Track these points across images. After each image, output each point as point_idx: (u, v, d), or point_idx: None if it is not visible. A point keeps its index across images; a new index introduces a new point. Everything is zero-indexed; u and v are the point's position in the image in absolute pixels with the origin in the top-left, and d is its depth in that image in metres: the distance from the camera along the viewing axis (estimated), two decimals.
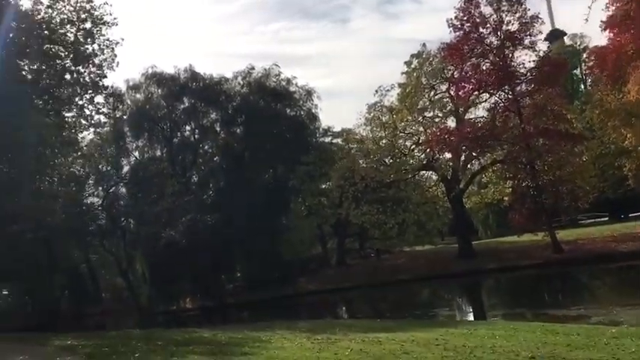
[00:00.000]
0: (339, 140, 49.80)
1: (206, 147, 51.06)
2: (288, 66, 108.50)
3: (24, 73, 19.74)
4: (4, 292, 43.39)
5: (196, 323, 36.09)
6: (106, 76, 26.13)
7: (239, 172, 46.44)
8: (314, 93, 49.44)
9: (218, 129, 49.80)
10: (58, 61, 24.31)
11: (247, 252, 46.17)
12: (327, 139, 51.20)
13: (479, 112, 40.02)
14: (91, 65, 25.41)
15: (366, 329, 15.60)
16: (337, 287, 41.14)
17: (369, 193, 40.72)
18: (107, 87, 27.51)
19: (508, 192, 42.41)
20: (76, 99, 27.03)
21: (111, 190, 28.56)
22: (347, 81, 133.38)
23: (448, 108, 39.82)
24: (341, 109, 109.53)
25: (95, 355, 11.92)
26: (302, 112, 49.22)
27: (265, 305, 41.00)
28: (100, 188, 38.74)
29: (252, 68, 48.90)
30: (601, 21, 33.18)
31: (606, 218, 53.73)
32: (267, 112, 47.50)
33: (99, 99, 26.76)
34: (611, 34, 31.25)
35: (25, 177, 28.83)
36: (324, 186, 47.75)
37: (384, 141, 41.37)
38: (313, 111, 49.29)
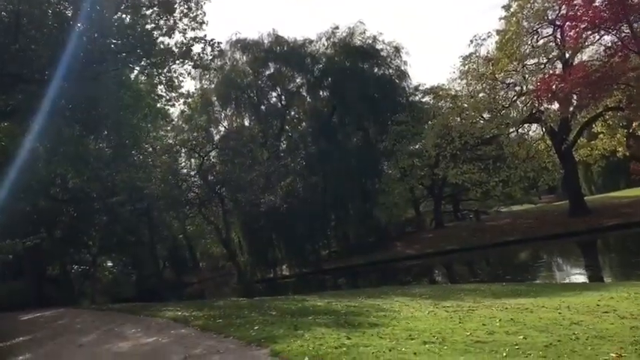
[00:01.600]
0: (431, 98, 47.17)
1: (293, 112, 50.01)
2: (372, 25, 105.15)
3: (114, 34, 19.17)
4: (109, 264, 44.88)
5: (294, 290, 35.67)
6: (194, 42, 25.36)
7: (328, 137, 45.22)
8: (402, 49, 47.11)
9: (305, 93, 48.48)
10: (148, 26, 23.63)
11: (342, 217, 45.27)
12: (419, 97, 48.79)
13: (588, 56, 36.32)
14: (177, 32, 24.59)
15: (495, 295, 13.90)
16: (437, 251, 39.39)
17: (468, 151, 38.24)
18: (195, 56, 26.79)
19: (622, 141, 38.86)
20: (165, 70, 26.17)
21: (205, 159, 28.06)
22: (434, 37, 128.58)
23: (554, 53, 36.28)
24: (431, 65, 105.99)
25: (209, 326, 11.00)
26: (390, 70, 47.02)
27: (362, 271, 40.04)
28: (193, 159, 38.74)
29: (336, 28, 47.09)
30: None
31: None
32: (354, 72, 45.62)
33: (187, 68, 26.09)
34: None
35: (121, 149, 28.98)
36: (417, 146, 45.58)
37: (481, 94, 38.49)
38: (402, 68, 47.04)
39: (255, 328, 9.83)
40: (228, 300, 19.40)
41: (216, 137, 43.63)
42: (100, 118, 21.24)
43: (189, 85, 64.41)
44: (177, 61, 24.62)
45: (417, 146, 44.49)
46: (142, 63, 19.08)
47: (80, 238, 38.22)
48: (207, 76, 45.98)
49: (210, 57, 20.23)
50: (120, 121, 22.95)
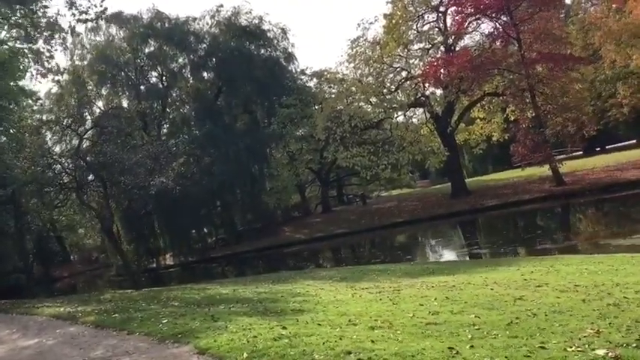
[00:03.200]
0: (319, 81, 46.84)
1: (176, 94, 47.42)
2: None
3: None
4: None
5: (180, 280, 33.87)
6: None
7: (214, 119, 43.37)
8: (289, 31, 46.37)
9: (188, 74, 46.09)
10: None
11: (229, 203, 43.77)
12: (307, 81, 48.28)
13: (469, 42, 37.80)
14: None
15: (409, 274, 13.50)
16: (327, 235, 39.28)
17: (358, 135, 38.32)
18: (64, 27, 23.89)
19: (499, 126, 40.92)
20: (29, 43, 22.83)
21: (82, 140, 25.45)
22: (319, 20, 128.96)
23: (438, 39, 37.27)
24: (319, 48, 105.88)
25: (105, 323, 9.48)
26: (278, 52, 45.99)
27: (251, 257, 39.04)
28: (68, 139, 35.39)
29: (221, 6, 45.52)
30: None
31: (580, 152, 52.74)
32: (241, 53, 44.06)
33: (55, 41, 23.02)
34: None
35: None
36: (305, 129, 45.04)
37: (369, 78, 38.71)
38: (290, 50, 46.22)
39: (164, 321, 8.49)
40: (117, 292, 17.52)
41: (89, 119, 40.20)
42: None
43: (59, 61, 58.70)
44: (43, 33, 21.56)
45: (305, 130, 43.95)
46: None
47: None
48: (80, 52, 42.30)
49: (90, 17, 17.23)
50: None
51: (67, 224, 44.29)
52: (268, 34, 45.59)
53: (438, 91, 37.74)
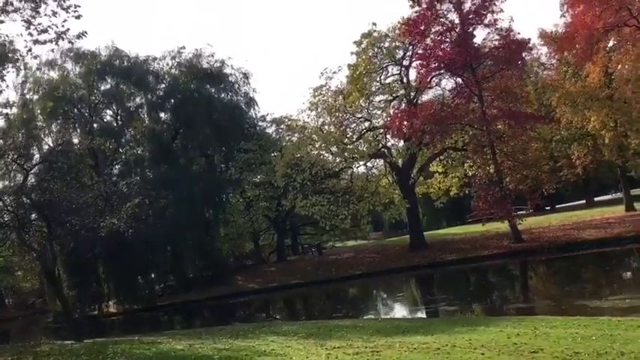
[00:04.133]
0: (280, 127, 46.43)
1: (130, 134, 45.91)
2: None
3: None
4: None
5: (124, 330, 31.87)
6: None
7: (169, 161, 42.12)
8: (251, 76, 45.97)
9: (145, 114, 44.86)
10: None
11: (179, 248, 41.95)
12: (267, 126, 47.84)
13: (430, 97, 38.18)
14: None
15: (381, 332, 12.55)
16: (281, 285, 38.01)
17: (317, 183, 37.70)
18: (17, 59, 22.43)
19: (455, 182, 41.00)
20: None
21: (28, 176, 23.82)
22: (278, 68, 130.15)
23: (401, 92, 37.54)
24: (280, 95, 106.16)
25: None
26: (239, 97, 45.52)
27: (200, 307, 37.29)
28: (9, 177, 33.45)
29: (183, 47, 44.52)
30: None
31: (530, 210, 53.42)
32: (200, 95, 43.43)
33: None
34: (575, 11, 30.11)
35: None
36: (263, 176, 44.14)
37: (331, 127, 38.47)
38: (251, 95, 45.84)
39: None
40: (55, 344, 15.82)
41: (36, 156, 38.39)
42: None
43: (8, 94, 56.19)
44: None
45: (263, 176, 43.07)
46: None
47: None
48: (32, 86, 40.57)
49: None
50: None
51: (3, 265, 41.50)
52: (230, 78, 45.18)
53: (400, 143, 37.77)
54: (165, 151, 42.64)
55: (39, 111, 41.06)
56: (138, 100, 44.81)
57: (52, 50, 39.27)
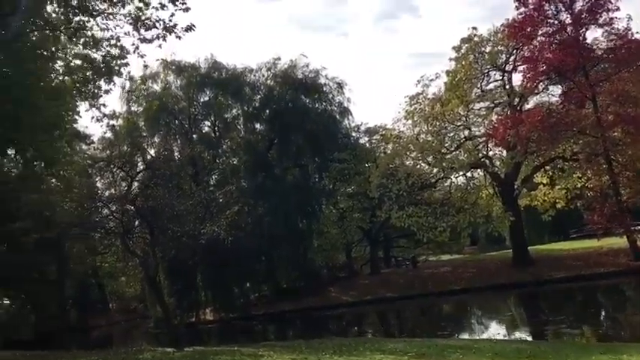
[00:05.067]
0: (374, 137, 45.69)
1: (226, 144, 46.81)
2: None
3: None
4: (5, 302, 39.18)
5: (220, 338, 32.08)
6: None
7: (264, 172, 42.43)
8: (345, 85, 45.40)
9: (241, 124, 45.61)
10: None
11: (273, 258, 42.07)
12: (361, 136, 47.19)
13: (535, 103, 35.99)
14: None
15: (504, 356, 11.32)
16: (375, 298, 37.12)
17: (414, 194, 36.46)
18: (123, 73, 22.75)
19: (562, 194, 38.30)
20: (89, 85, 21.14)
21: (132, 183, 24.52)
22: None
23: (504, 99, 35.70)
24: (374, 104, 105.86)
25: None
26: (333, 107, 45.08)
27: (294, 318, 37.00)
28: (114, 185, 34.75)
29: (278, 59, 44.83)
30: None
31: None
32: (295, 106, 43.46)
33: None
34: None
35: (32, 168, 24.80)
36: (358, 186, 43.44)
37: (428, 136, 37.20)
38: (345, 105, 45.22)
39: None
40: (157, 351, 15.75)
41: (140, 166, 39.84)
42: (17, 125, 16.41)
43: (114, 105, 58.89)
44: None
45: (357, 186, 42.37)
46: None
47: None
48: (136, 98, 42.27)
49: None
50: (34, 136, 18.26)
51: (109, 271, 43.29)
52: (324, 88, 44.92)
53: (502, 152, 35.86)
54: (261, 161, 43.01)
55: (142, 122, 42.69)
56: (234, 111, 45.64)
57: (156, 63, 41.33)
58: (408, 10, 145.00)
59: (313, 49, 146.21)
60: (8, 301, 39.09)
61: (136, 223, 28.30)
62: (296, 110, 42.89)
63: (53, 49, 12.87)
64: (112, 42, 13.06)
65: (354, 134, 47.02)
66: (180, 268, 33.03)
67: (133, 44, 13.08)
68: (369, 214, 43.87)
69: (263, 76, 45.29)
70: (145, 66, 39.87)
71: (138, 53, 13.26)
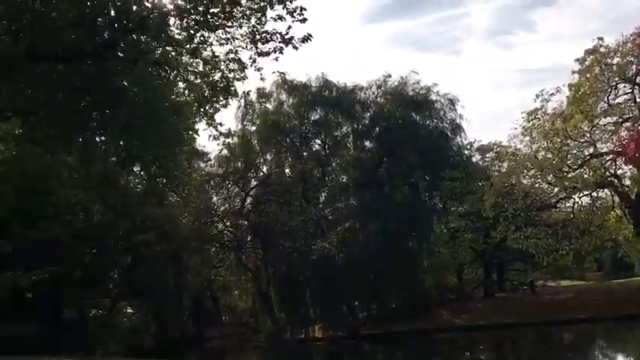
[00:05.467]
0: (488, 154, 44.05)
1: (335, 162, 47.02)
2: None
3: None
4: (129, 310, 41.60)
5: (330, 357, 31.89)
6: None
7: (373, 190, 42.13)
8: (457, 102, 44.26)
9: (350, 142, 45.73)
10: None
11: (382, 277, 41.38)
12: (474, 154, 45.63)
13: None
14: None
15: None
16: (490, 323, 35.33)
17: (532, 214, 34.54)
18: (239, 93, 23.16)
19: None
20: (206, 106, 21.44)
21: (246, 199, 25.23)
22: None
23: (635, 113, 32.97)
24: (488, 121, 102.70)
25: None
26: (444, 124, 44.16)
27: (402, 339, 36.08)
28: (229, 201, 36.00)
29: (389, 76, 44.56)
30: None
31: None
32: (405, 123, 42.97)
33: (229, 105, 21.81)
34: None
35: (154, 184, 26.18)
36: (467, 206, 41.92)
37: (548, 154, 35.09)
38: (457, 121, 44.07)
39: None
40: None
41: (254, 182, 41.07)
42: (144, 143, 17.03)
43: (230, 124, 61.00)
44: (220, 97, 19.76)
45: (470, 206, 40.89)
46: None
47: (100, 279, 35.27)
48: (250, 117, 43.72)
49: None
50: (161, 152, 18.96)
51: (222, 284, 44.73)
52: (435, 105, 44.13)
53: (633, 170, 33.03)
54: (370, 179, 42.80)
55: (255, 140, 43.99)
56: (344, 129, 45.86)
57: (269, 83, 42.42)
58: (524, 26, 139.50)
59: (423, 67, 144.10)
60: (132, 310, 41.46)
61: (249, 238, 29.15)
62: (406, 127, 42.44)
63: (175, 66, 13.38)
64: (231, 56, 13.28)
65: (466, 152, 45.65)
66: (291, 284, 33.36)
67: (250, 58, 13.28)
68: (483, 234, 42.19)
69: (373, 93, 45.29)
70: (261, 83, 41.15)
71: (255, 67, 13.42)
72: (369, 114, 44.84)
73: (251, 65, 13.24)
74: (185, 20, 11.99)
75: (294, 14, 12.38)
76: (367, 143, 45.71)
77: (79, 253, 30.71)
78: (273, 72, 13.82)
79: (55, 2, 11.12)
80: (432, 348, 33.33)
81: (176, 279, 33.67)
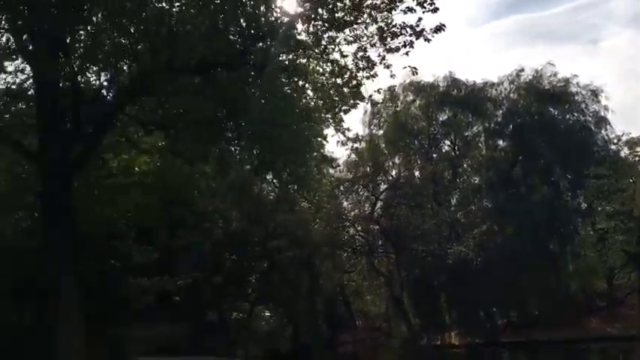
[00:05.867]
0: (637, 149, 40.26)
1: (466, 163, 45.44)
2: None
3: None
4: (266, 314, 42.92)
5: None
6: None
7: (507, 191, 40.10)
8: (601, 93, 40.96)
9: (482, 142, 44.00)
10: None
11: (522, 282, 39.14)
12: (622, 148, 41.89)
13: None
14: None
15: None
16: None
17: None
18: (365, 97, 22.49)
19: None
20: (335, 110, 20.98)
21: (376, 202, 24.98)
22: None
23: None
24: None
25: None
26: (586, 117, 41.14)
27: (545, 348, 33.86)
28: (359, 206, 35.94)
29: (522, 70, 42.33)
30: None
31: None
32: (541, 118, 40.88)
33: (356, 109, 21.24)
34: None
35: (286, 190, 26.82)
36: (615, 206, 38.51)
37: None
38: (601, 114, 40.85)
39: None
40: None
41: (383, 186, 40.69)
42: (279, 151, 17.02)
43: (357, 129, 61.06)
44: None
45: (620, 205, 37.52)
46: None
47: (240, 284, 36.71)
48: (377, 121, 43.52)
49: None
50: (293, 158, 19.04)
51: (355, 289, 44.74)
52: (575, 97, 41.28)
53: None
54: (504, 179, 40.91)
55: (383, 143, 43.64)
56: (475, 128, 44.40)
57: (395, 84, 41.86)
58: None
59: (557, 59, 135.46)
60: (269, 314, 42.75)
61: (380, 242, 28.83)
62: (543, 123, 40.36)
63: (304, 71, 13.43)
64: (360, 54, 13.02)
65: (612, 146, 41.99)
66: (425, 289, 32.54)
67: (379, 55, 12.95)
68: (636, 235, 38.44)
69: (505, 89, 43.30)
70: (387, 85, 40.78)
71: (384, 64, 13.06)
72: (501, 111, 42.94)
73: (380, 62, 12.91)
74: (312, 23, 11.95)
75: (425, 4, 11.88)
76: (500, 142, 43.80)
77: (219, 259, 32.16)
78: (404, 67, 13.21)
79: (189, 16, 11.58)
80: (580, 358, 30.86)
81: (309, 284, 34.14)
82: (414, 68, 13.35)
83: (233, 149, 20.41)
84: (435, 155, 44.30)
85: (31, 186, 16.73)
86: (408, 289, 31.83)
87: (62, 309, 12.74)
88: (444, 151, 45.74)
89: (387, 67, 13.10)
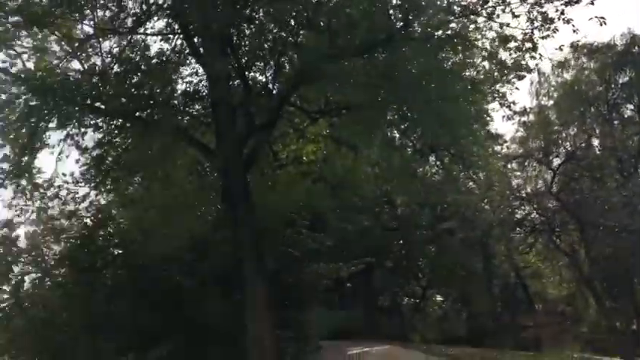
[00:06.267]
0: None
1: None
2: None
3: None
4: (438, 298, 42.17)
5: None
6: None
7: None
8: None
9: None
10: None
11: None
12: None
13: None
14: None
15: None
16: None
17: None
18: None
19: None
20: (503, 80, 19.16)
21: (552, 179, 23.03)
22: None
23: None
24: None
25: None
26: None
27: None
28: (531, 183, 33.63)
29: None
30: None
31: None
32: None
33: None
34: None
35: (450, 171, 25.91)
36: None
37: None
38: None
39: None
40: None
41: (557, 160, 37.61)
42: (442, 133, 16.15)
43: (524, 101, 56.82)
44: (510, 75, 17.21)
45: None
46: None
47: (410, 269, 36.39)
48: (546, 91, 40.23)
49: None
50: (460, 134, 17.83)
51: (532, 271, 42.18)
52: None
53: None
54: None
55: (554, 114, 40.30)
56: None
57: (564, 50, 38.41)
58: None
59: None
60: (441, 298, 41.93)
61: (558, 219, 26.60)
62: None
63: (471, 38, 12.54)
64: (534, 11, 11.75)
65: None
66: (619, 268, 29.49)
67: (557, 10, 11.60)
68: None
69: None
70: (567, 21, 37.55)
71: (563, 19, 11.69)
72: None
73: (559, 18, 11.58)
74: None
75: None
76: None
77: (388, 243, 32.11)
78: (590, 18, 11.56)
79: None
80: None
81: (483, 266, 32.78)
82: (602, 18, 11.64)
83: (396, 132, 20.08)
84: (615, 122, 39.96)
85: (213, 182, 17.88)
86: (597, 269, 28.94)
87: (248, 295, 13.36)
88: (626, 116, 41.11)
89: (567, 22, 11.67)
